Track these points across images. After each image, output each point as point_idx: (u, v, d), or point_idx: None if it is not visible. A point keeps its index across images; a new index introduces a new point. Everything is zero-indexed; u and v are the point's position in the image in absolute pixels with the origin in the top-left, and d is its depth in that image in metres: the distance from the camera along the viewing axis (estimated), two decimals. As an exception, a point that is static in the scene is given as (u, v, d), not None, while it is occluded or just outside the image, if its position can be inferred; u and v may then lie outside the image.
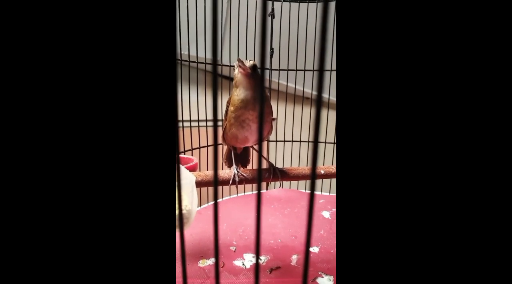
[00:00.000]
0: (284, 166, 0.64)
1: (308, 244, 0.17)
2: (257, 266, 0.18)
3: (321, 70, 0.13)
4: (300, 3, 0.89)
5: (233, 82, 0.55)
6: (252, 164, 0.74)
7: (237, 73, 0.53)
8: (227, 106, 0.59)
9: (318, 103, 0.13)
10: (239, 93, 0.53)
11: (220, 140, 0.92)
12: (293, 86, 0.94)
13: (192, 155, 0.85)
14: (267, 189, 1.04)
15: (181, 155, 0.74)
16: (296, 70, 0.92)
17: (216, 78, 0.16)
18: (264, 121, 0.59)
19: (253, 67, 0.52)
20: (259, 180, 0.17)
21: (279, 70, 0.93)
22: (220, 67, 0.88)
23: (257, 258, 0.18)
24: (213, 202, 0.94)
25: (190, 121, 0.83)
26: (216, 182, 0.19)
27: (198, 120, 0.85)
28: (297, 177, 0.59)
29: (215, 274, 0.19)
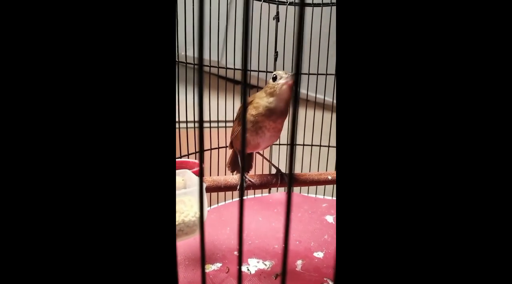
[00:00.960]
0: (287, 170, 0.64)
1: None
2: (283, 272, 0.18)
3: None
4: (305, 7, 0.89)
5: (269, 89, 0.53)
6: (255, 170, 0.74)
7: (279, 82, 0.51)
8: (244, 110, 0.57)
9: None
10: (272, 101, 0.52)
11: (221, 144, 0.91)
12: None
13: (195, 159, 0.85)
14: (269, 192, 1.03)
15: (186, 159, 0.73)
16: (301, 73, 0.92)
17: (246, 90, 0.16)
18: (278, 129, 0.59)
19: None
20: (289, 191, 0.16)
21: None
22: (225, 69, 0.87)
23: (284, 266, 0.18)
24: (216, 205, 0.93)
25: (194, 122, 0.83)
26: (242, 187, 0.18)
27: (200, 122, 0.84)
28: (305, 182, 0.59)
29: (237, 278, 0.19)
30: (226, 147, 0.90)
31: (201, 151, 0.16)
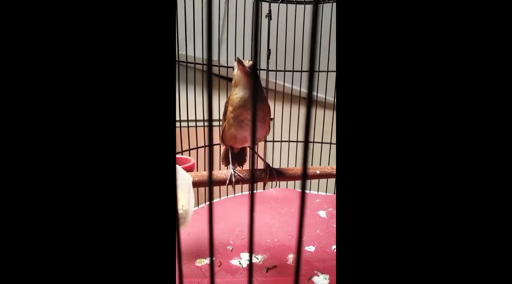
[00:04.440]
0: (281, 166, 0.65)
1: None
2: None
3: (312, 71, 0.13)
4: (297, 5, 0.89)
5: (232, 81, 0.55)
6: (249, 164, 0.75)
7: (236, 71, 0.53)
8: (226, 107, 0.59)
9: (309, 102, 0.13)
10: (238, 92, 0.54)
11: (217, 140, 0.92)
12: (290, 86, 0.95)
13: (189, 155, 0.86)
14: (264, 188, 1.04)
15: (179, 156, 0.74)
16: (293, 71, 0.93)
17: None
18: (263, 121, 0.60)
19: (253, 66, 0.53)
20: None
21: (276, 71, 0.94)
22: (217, 67, 0.88)
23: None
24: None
25: (188, 121, 0.84)
26: (210, 182, 0.19)
27: (196, 120, 0.86)
28: (293, 177, 0.60)
29: (210, 272, 0.19)
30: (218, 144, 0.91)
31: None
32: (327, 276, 0.55)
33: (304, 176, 0.16)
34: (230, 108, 0.56)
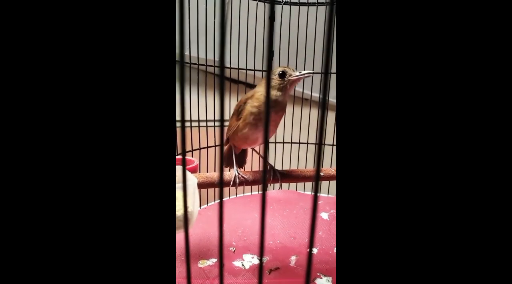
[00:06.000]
0: (284, 168, 0.65)
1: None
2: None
3: (326, 73, 0.13)
4: (300, 6, 0.90)
5: (277, 85, 0.55)
6: (252, 165, 0.75)
7: (293, 78, 0.55)
8: (239, 106, 0.58)
9: (323, 104, 0.14)
10: (280, 95, 0.55)
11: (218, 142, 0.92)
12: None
13: (192, 156, 0.86)
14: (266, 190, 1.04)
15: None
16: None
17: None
18: (276, 123, 0.61)
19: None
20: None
21: (279, 72, 0.94)
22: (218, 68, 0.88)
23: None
24: (213, 202, 0.94)
25: (191, 121, 0.84)
26: (221, 183, 0.19)
27: (199, 121, 0.86)
28: (297, 178, 0.60)
29: (219, 273, 0.19)
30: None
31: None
32: (330, 278, 0.55)
33: (317, 178, 0.16)
34: (255, 103, 0.56)
